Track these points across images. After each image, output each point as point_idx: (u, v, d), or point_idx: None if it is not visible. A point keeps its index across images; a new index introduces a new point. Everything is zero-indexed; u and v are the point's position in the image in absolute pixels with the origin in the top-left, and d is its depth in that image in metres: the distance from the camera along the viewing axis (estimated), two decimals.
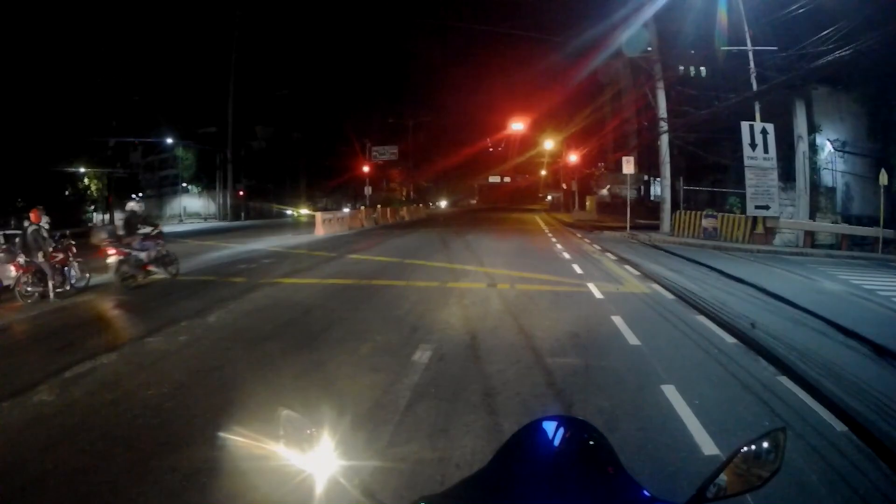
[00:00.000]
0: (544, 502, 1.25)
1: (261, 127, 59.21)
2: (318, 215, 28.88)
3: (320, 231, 26.72)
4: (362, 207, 40.00)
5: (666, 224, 23.47)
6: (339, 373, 5.78)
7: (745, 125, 19.40)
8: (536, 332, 7.25)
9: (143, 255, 11.88)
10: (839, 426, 4.32)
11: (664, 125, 23.52)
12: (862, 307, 9.04)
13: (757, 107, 19.71)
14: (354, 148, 53.21)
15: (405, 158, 62.12)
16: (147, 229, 12.39)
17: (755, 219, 19.45)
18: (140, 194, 42.00)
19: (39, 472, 3.84)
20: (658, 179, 27.63)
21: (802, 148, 19.09)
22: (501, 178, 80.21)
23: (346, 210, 38.22)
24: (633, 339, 6.88)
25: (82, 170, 40.77)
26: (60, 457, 4.06)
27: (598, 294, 9.94)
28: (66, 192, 39.43)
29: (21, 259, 10.61)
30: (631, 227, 24.32)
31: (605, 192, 48.22)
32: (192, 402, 5.04)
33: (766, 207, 19.09)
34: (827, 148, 20.09)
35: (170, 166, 61.31)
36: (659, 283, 10.87)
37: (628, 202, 26.12)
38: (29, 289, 10.41)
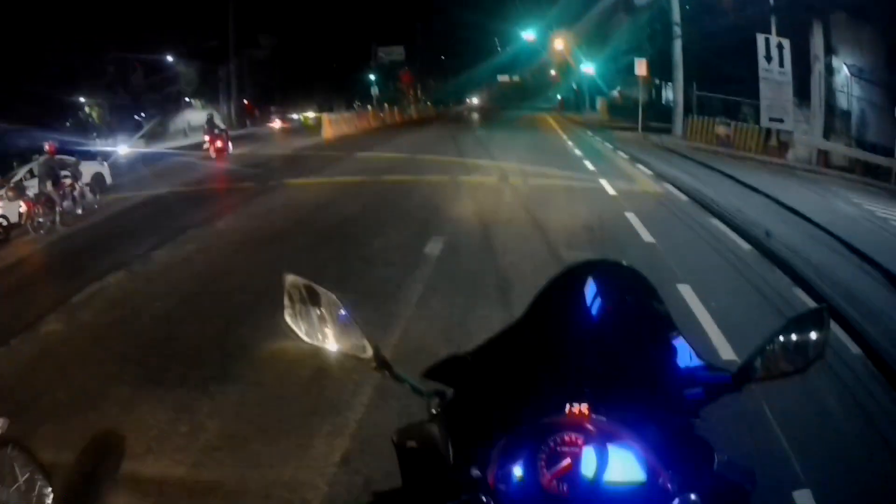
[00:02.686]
0: (592, 363, 0.96)
1: (264, 35, 57.32)
2: (325, 116, 28.36)
3: (328, 133, 25.84)
4: (370, 107, 38.83)
5: (678, 127, 22.55)
6: (352, 268, 5.64)
7: (760, 37, 18.26)
8: (551, 226, 6.98)
9: None
10: (854, 349, 4.00)
11: (677, 30, 22.39)
12: (875, 233, 8.28)
13: (773, 20, 18.44)
14: (360, 50, 52.40)
15: (413, 60, 60.20)
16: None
17: (769, 131, 18.61)
18: (143, 114, 40.51)
19: (52, 403, 3.58)
20: (670, 84, 26.49)
21: (819, 68, 17.92)
22: (510, 78, 76.72)
23: (353, 111, 37.10)
24: (647, 237, 6.57)
25: (82, 99, 38.71)
26: (72, 384, 3.81)
27: (611, 190, 9.53)
28: (67, 123, 37.25)
29: (30, 193, 10.19)
30: (642, 129, 23.51)
31: (615, 93, 46.28)
32: (202, 311, 4.89)
33: (781, 121, 18.22)
34: (843, 72, 18.89)
35: (172, 84, 59.97)
36: (672, 184, 10.29)
37: (640, 104, 25.19)
38: (41, 219, 9.93)
